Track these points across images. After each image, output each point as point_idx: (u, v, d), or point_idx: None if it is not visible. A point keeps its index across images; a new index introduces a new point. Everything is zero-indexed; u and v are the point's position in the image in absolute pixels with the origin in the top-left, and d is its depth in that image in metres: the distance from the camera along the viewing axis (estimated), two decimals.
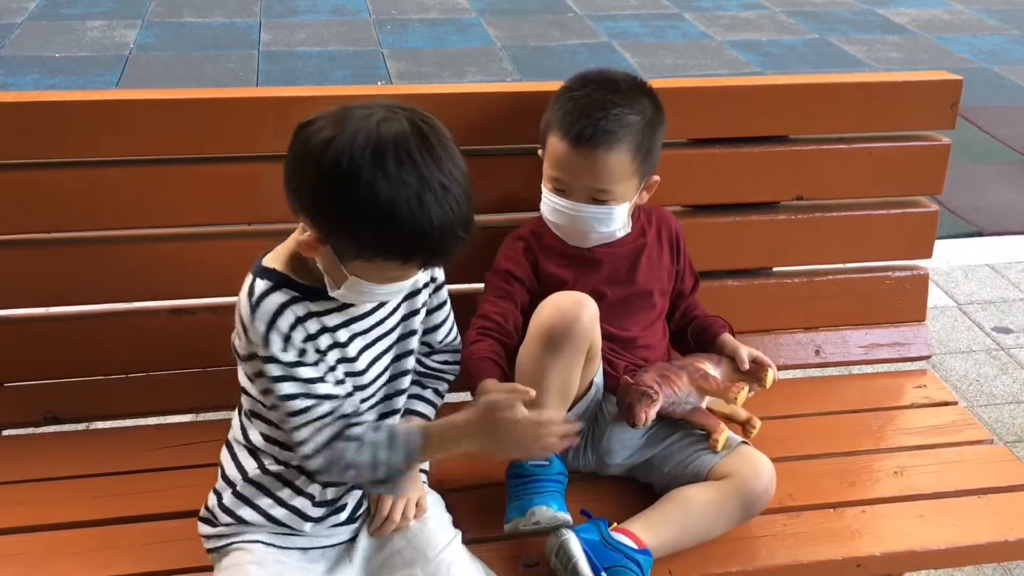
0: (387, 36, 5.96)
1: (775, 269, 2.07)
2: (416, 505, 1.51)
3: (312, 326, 1.37)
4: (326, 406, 1.37)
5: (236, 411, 1.53)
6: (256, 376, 1.38)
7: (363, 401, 1.47)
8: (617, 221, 1.69)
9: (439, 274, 1.55)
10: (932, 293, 2.17)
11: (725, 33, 6.25)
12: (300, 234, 1.36)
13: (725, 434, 1.67)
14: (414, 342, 1.53)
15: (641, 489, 1.72)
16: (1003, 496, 1.76)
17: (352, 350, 1.42)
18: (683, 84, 1.97)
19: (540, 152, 1.73)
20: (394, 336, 1.49)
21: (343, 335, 1.40)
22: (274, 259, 1.40)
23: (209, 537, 1.50)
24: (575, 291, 1.60)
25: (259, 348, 1.34)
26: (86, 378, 1.83)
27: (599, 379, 1.70)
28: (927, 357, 2.14)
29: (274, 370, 1.35)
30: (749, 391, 1.71)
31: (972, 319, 3.23)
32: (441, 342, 1.61)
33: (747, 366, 1.75)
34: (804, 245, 2.04)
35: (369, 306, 1.43)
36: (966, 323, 3.20)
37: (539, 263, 1.74)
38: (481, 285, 1.79)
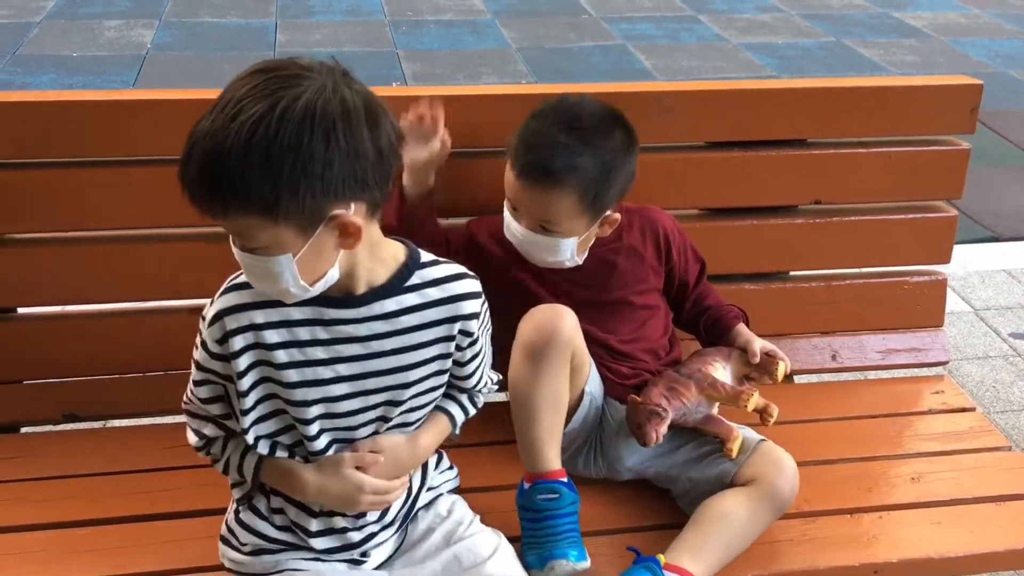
0: (402, 37, 5.97)
1: (792, 273, 2.07)
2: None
3: (268, 336, 1.29)
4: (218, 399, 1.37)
5: None
6: None
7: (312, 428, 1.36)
8: (564, 252, 1.68)
9: (472, 328, 1.40)
10: (949, 298, 2.16)
11: (740, 36, 6.24)
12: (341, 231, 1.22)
13: (739, 440, 1.66)
14: (443, 379, 1.44)
15: (655, 492, 1.72)
16: (1021, 503, 1.75)
17: (278, 355, 1.32)
18: (702, 87, 1.97)
19: None
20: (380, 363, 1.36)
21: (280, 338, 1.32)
22: None
23: (233, 561, 1.47)
24: (554, 304, 1.60)
25: (202, 326, 1.32)
26: (105, 376, 1.84)
27: (593, 388, 1.69)
28: (944, 363, 2.13)
29: (197, 339, 1.34)
30: (765, 382, 1.71)
31: (989, 325, 3.21)
32: (473, 388, 1.52)
33: (758, 359, 1.74)
34: (822, 249, 2.04)
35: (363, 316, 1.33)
36: (983, 329, 3.19)
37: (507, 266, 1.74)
38: None
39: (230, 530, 1.48)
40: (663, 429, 1.62)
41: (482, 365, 1.49)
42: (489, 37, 6.05)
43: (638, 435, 1.64)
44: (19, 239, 1.77)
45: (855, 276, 2.09)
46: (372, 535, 1.46)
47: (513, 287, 1.73)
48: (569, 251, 1.68)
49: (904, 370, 2.13)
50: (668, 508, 1.68)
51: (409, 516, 1.52)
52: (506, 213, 1.70)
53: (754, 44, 6.09)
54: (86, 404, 1.84)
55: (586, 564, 1.51)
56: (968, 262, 3.56)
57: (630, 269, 1.77)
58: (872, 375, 2.21)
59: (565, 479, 1.57)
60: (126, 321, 1.84)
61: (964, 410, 2.01)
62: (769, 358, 1.74)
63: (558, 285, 1.74)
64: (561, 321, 1.56)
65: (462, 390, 1.50)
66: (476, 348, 1.44)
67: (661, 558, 1.51)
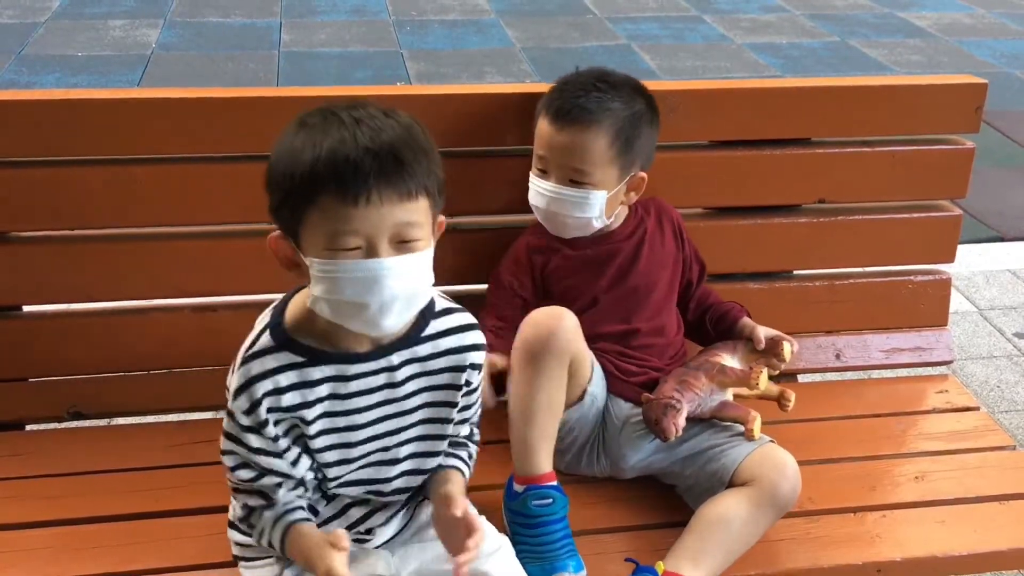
0: (407, 37, 5.97)
1: (796, 272, 2.07)
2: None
3: (290, 398, 1.31)
4: (260, 476, 1.36)
5: None
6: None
7: (344, 469, 1.40)
8: (593, 208, 1.68)
9: (474, 379, 1.44)
10: (953, 298, 2.16)
11: (745, 36, 6.24)
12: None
13: (758, 421, 1.66)
14: (449, 428, 1.45)
15: (659, 489, 1.72)
16: None
17: (307, 413, 1.34)
18: (705, 86, 1.97)
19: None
20: (405, 401, 1.39)
21: (305, 398, 1.33)
22: (297, 309, 1.35)
23: (240, 545, 1.47)
24: (554, 305, 1.60)
25: (229, 397, 1.33)
26: (110, 374, 1.84)
27: (596, 387, 1.69)
28: (949, 362, 2.13)
29: (226, 425, 1.34)
30: (771, 369, 1.72)
31: (993, 324, 3.21)
32: (466, 436, 1.53)
33: (763, 345, 1.75)
34: (826, 248, 2.04)
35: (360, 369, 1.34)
36: (987, 328, 3.18)
37: (546, 264, 1.76)
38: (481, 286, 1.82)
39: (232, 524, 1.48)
40: (681, 421, 1.63)
41: (474, 414, 1.51)
42: (493, 37, 6.05)
43: (657, 431, 1.64)
44: (24, 237, 1.78)
45: (859, 275, 2.09)
46: (374, 511, 1.47)
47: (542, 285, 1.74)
48: (598, 207, 1.68)
49: (908, 369, 2.13)
50: (673, 505, 1.68)
51: (417, 497, 1.52)
52: (531, 181, 1.72)
53: (758, 44, 6.08)
54: (91, 402, 1.85)
55: (583, 573, 1.53)
56: (973, 262, 3.55)
57: (653, 254, 1.79)
58: (876, 374, 2.21)
59: (555, 483, 1.58)
60: (131, 319, 1.84)
61: (968, 409, 2.00)
62: (774, 342, 1.75)
63: (583, 276, 1.74)
64: (559, 323, 1.56)
65: (456, 443, 1.50)
66: (473, 398, 1.46)
67: (660, 566, 1.51)
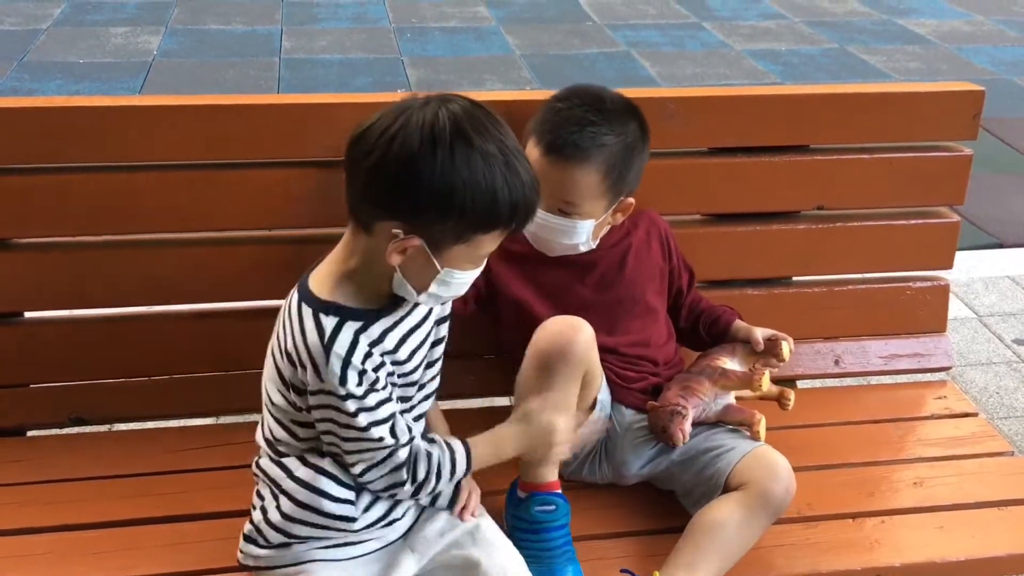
0: (407, 44, 5.99)
1: (795, 278, 2.07)
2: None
3: (376, 354, 1.38)
4: (392, 428, 1.40)
5: (264, 434, 1.51)
6: (318, 408, 1.38)
7: (419, 390, 1.50)
8: (580, 236, 1.68)
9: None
10: (952, 304, 2.16)
11: (744, 42, 6.25)
12: (356, 245, 1.38)
13: (763, 422, 1.67)
14: (444, 329, 1.55)
15: (658, 494, 1.72)
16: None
17: (402, 353, 1.43)
18: (704, 93, 1.98)
19: None
20: (429, 327, 1.50)
21: (391, 342, 1.41)
22: (324, 288, 1.40)
23: (257, 557, 1.48)
24: (571, 316, 1.59)
25: (335, 388, 1.35)
26: (111, 380, 1.85)
27: (604, 396, 1.70)
28: (947, 368, 2.14)
29: (351, 406, 1.36)
30: (771, 368, 1.73)
31: (992, 331, 3.21)
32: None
33: (762, 346, 1.76)
34: (824, 255, 2.04)
35: (410, 309, 1.45)
36: (986, 335, 3.19)
37: (530, 270, 1.75)
38: None
39: (256, 529, 1.48)
40: (687, 427, 1.64)
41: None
42: (493, 44, 6.06)
43: (665, 439, 1.65)
44: (25, 244, 1.78)
45: (858, 281, 2.09)
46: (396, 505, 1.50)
47: (519, 291, 1.74)
48: (585, 234, 1.68)
49: (907, 375, 2.13)
50: (672, 511, 1.69)
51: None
52: None
53: (758, 51, 6.10)
54: (92, 408, 1.85)
55: None
56: (972, 268, 3.56)
57: (638, 267, 1.78)
58: (875, 380, 2.21)
59: (559, 490, 1.58)
60: (132, 326, 1.85)
61: (967, 415, 2.01)
62: (772, 343, 1.76)
63: (568, 286, 1.74)
64: (577, 335, 1.54)
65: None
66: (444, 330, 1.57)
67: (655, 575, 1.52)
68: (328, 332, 1.35)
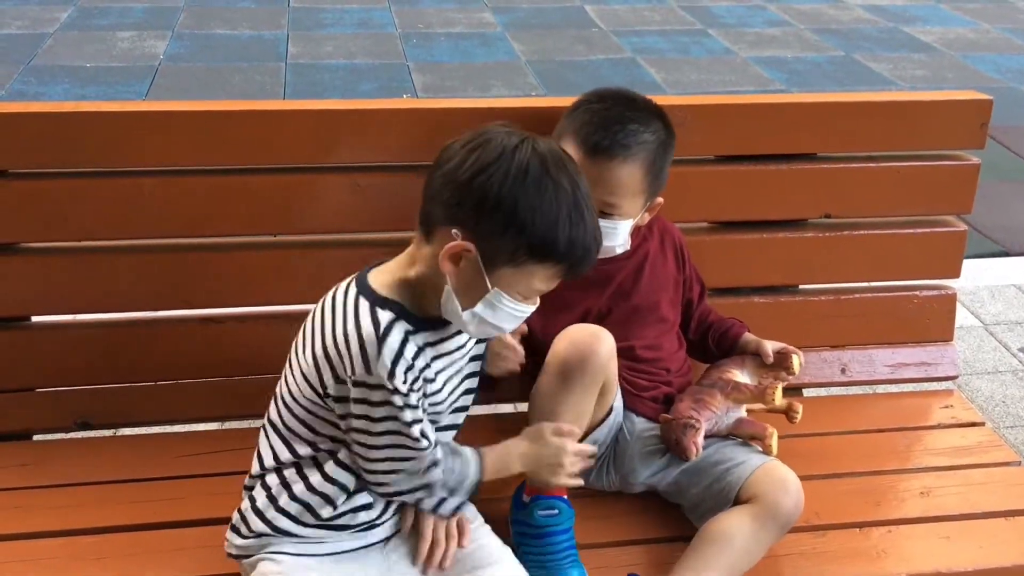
0: (413, 49, 6.00)
1: (802, 287, 2.07)
2: (459, 527, 1.51)
3: (423, 358, 1.40)
4: (425, 430, 1.41)
5: (269, 426, 1.52)
6: (358, 403, 1.38)
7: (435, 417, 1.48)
8: (619, 237, 1.68)
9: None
10: (958, 313, 2.16)
11: (750, 49, 6.25)
12: (418, 254, 1.40)
13: (775, 436, 1.68)
14: (476, 367, 1.55)
15: (664, 503, 1.72)
16: None
17: (432, 373, 1.43)
18: (711, 101, 1.98)
19: None
20: (462, 359, 1.50)
21: (423, 360, 1.41)
22: (384, 286, 1.41)
23: (238, 547, 1.50)
24: (591, 324, 1.60)
25: (382, 380, 1.35)
26: (117, 385, 1.85)
27: (617, 403, 1.70)
28: (954, 377, 2.13)
29: (398, 400, 1.37)
30: (783, 379, 1.73)
31: (998, 340, 3.20)
32: None
33: (772, 359, 1.76)
34: (831, 263, 2.04)
35: (454, 333, 1.45)
36: (992, 343, 3.18)
37: None
38: None
39: (243, 518, 1.49)
40: (700, 439, 1.64)
41: None
42: (499, 50, 6.07)
43: (678, 451, 1.66)
44: (33, 248, 1.79)
45: (864, 290, 2.09)
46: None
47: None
48: (624, 235, 1.69)
49: (913, 384, 2.12)
50: (678, 519, 1.68)
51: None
52: None
53: (763, 58, 6.10)
54: (98, 412, 1.85)
55: None
56: (978, 276, 3.55)
57: (654, 275, 1.79)
58: (881, 389, 2.21)
59: (564, 496, 1.58)
60: (138, 330, 1.85)
61: (973, 425, 2.00)
62: (783, 356, 1.76)
63: (584, 294, 1.73)
64: (598, 345, 1.55)
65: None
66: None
67: None
68: (383, 325, 1.36)
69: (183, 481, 1.74)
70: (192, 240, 1.82)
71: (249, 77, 5.38)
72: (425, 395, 1.42)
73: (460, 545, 1.49)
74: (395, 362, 1.35)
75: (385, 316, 1.37)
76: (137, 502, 1.68)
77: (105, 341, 1.84)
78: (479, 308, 1.37)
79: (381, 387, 1.36)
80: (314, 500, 1.45)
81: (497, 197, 1.32)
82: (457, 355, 1.48)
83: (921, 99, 2.03)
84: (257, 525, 1.47)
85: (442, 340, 1.44)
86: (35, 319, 1.84)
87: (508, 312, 1.39)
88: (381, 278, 1.43)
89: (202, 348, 1.86)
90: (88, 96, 5.00)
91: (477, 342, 1.53)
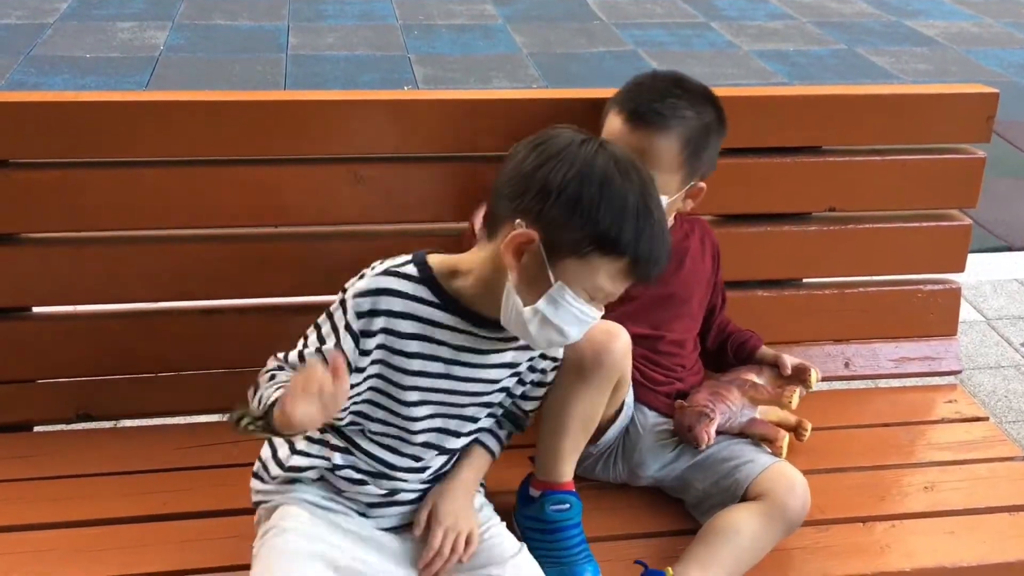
0: (414, 41, 5.98)
1: (806, 280, 2.06)
2: (467, 541, 1.47)
3: (407, 327, 1.36)
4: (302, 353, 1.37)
5: None
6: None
7: (411, 422, 1.43)
8: None
9: (559, 353, 1.52)
10: (961, 307, 2.15)
11: (752, 43, 6.23)
12: (478, 255, 1.37)
13: (787, 439, 1.68)
14: (499, 396, 1.50)
15: (670, 499, 1.71)
16: None
17: (410, 348, 1.38)
18: (716, 93, 1.96)
19: None
20: (489, 377, 1.45)
21: (414, 330, 1.37)
22: (436, 261, 1.39)
23: (257, 491, 1.50)
24: (608, 320, 1.57)
25: (347, 293, 1.35)
26: (118, 376, 1.84)
27: (629, 398, 1.69)
28: (958, 372, 2.13)
29: (334, 309, 1.36)
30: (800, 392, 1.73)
31: (1001, 334, 3.20)
32: (526, 411, 1.59)
33: (789, 371, 1.76)
34: (835, 257, 2.03)
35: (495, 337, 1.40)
36: (995, 338, 3.17)
37: None
38: None
39: (263, 465, 1.50)
40: (713, 430, 1.64)
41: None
42: (500, 42, 6.05)
43: (690, 439, 1.66)
44: (33, 239, 1.78)
45: (869, 284, 2.08)
46: (396, 491, 1.48)
47: None
48: None
49: (917, 379, 2.12)
50: (685, 513, 1.68)
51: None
52: None
53: (765, 51, 6.08)
54: (99, 404, 1.85)
55: None
56: (981, 271, 3.54)
57: (693, 269, 1.79)
58: (884, 383, 2.20)
59: (573, 489, 1.57)
60: (139, 321, 1.84)
61: (977, 419, 2.00)
62: (800, 369, 1.77)
63: None
64: (614, 343, 1.53)
65: (515, 417, 1.57)
66: (550, 376, 1.53)
67: (669, 571, 1.51)
68: (396, 266, 1.36)
69: (184, 473, 1.73)
70: (193, 231, 1.81)
71: (250, 68, 5.37)
72: (388, 365, 1.37)
73: (462, 560, 1.46)
74: (368, 292, 1.34)
75: (408, 268, 1.36)
76: (138, 494, 1.68)
77: (106, 332, 1.83)
78: (541, 304, 1.30)
79: (342, 300, 1.35)
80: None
81: (562, 184, 1.28)
82: (473, 358, 1.41)
83: (927, 92, 2.02)
84: (274, 469, 1.47)
85: (469, 334, 1.39)
86: (35, 310, 1.83)
87: (572, 312, 1.31)
88: (441, 256, 1.40)
89: (204, 339, 1.86)
90: (88, 87, 4.99)
91: (533, 362, 1.47)
